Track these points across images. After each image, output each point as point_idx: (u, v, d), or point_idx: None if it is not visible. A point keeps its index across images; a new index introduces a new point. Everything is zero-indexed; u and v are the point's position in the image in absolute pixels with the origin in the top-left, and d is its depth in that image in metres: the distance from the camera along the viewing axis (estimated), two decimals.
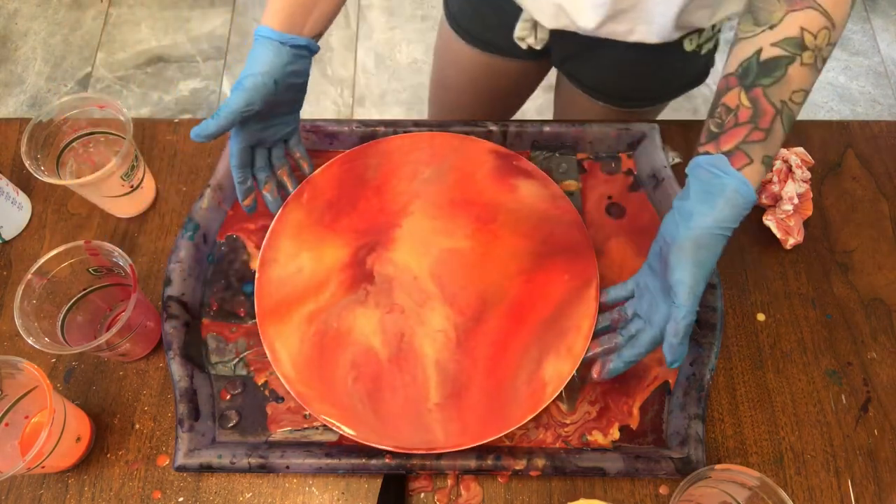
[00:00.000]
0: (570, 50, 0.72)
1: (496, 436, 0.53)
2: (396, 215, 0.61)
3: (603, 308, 0.56)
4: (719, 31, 0.68)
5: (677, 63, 0.70)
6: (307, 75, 0.56)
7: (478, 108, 0.88)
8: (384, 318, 0.57)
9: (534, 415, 0.53)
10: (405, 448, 0.52)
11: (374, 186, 0.62)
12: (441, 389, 0.54)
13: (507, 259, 0.59)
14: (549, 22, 0.64)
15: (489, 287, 0.58)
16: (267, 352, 0.55)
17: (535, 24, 0.69)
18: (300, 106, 0.58)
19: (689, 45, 0.66)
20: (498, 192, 0.62)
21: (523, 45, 0.71)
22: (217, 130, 0.51)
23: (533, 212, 0.61)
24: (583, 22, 0.60)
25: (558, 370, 0.55)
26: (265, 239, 0.60)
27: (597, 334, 0.55)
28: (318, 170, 0.62)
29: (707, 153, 0.46)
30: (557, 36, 0.67)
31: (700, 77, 0.74)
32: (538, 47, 0.71)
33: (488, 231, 0.60)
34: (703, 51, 0.68)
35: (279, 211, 0.60)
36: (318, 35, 0.55)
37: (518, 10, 0.68)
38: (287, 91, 0.54)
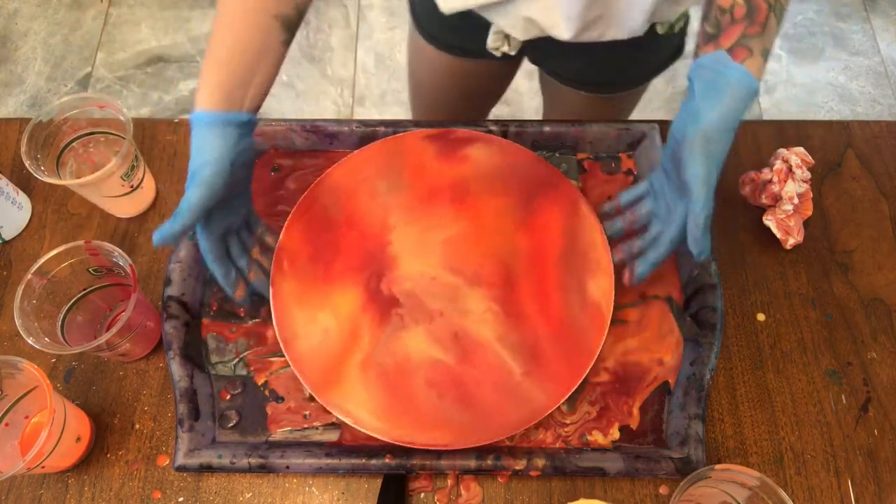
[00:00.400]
0: (544, 51, 0.72)
1: (588, 368, 0.55)
2: (381, 235, 0.60)
3: (615, 212, 0.57)
4: (687, 11, 0.68)
5: (653, 46, 0.71)
6: (254, 148, 0.53)
7: (457, 105, 0.88)
8: (430, 329, 0.57)
9: (606, 331, 0.56)
10: (517, 428, 0.53)
11: (343, 222, 0.61)
12: (518, 360, 0.55)
13: (499, 221, 0.61)
14: (521, 34, 0.64)
15: (500, 252, 0.59)
16: (344, 419, 0.53)
17: (507, 35, 0.68)
18: (251, 180, 0.55)
19: (661, 30, 0.66)
20: (454, 169, 0.63)
21: (497, 53, 0.70)
22: (182, 230, 0.48)
23: (495, 169, 0.63)
24: (557, 32, 0.61)
25: (601, 287, 0.58)
26: (274, 322, 0.56)
27: (614, 241, 0.57)
28: (282, 235, 0.59)
29: (706, 54, 0.48)
30: (530, 42, 0.67)
31: (677, 52, 0.75)
32: (513, 53, 0.70)
33: (469, 206, 0.61)
34: (676, 29, 0.69)
35: (270, 290, 0.58)
36: (256, 109, 0.52)
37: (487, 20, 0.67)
38: (240, 169, 0.51)
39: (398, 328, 0.57)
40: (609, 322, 0.56)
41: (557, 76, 0.77)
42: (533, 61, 0.77)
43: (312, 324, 0.57)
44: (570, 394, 0.54)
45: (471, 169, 0.63)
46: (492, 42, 0.69)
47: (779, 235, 0.62)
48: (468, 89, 0.85)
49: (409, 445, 0.53)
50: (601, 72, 0.74)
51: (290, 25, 0.51)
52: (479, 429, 0.53)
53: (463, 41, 0.75)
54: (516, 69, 0.86)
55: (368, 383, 0.55)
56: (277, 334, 0.56)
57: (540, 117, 1.54)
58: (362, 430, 0.53)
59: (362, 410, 0.53)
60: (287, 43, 0.52)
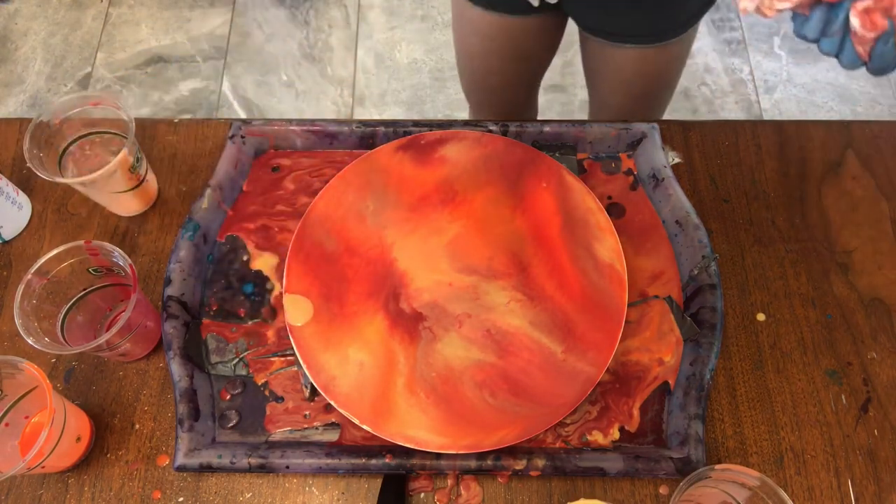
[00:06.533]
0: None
1: (621, 327, 0.56)
2: (384, 255, 0.60)
3: None
4: None
5: None
6: None
7: (508, 71, 0.87)
8: (462, 333, 0.57)
9: (626, 287, 0.57)
10: (576, 403, 0.54)
11: (342, 251, 0.60)
12: (554, 339, 0.56)
13: (494, 211, 0.61)
14: None
15: (504, 241, 0.60)
16: (409, 445, 0.52)
17: None
18: None
19: None
20: (435, 172, 0.63)
21: (535, 2, 0.70)
22: None
23: (474, 163, 0.63)
24: None
25: (609, 247, 0.59)
26: (305, 371, 0.55)
27: None
28: (284, 281, 0.58)
29: None
30: None
31: None
32: (555, 1, 0.69)
33: (460, 205, 0.61)
34: None
35: (292, 340, 0.56)
36: None
37: None
38: None
39: (430, 341, 0.56)
40: (626, 278, 0.57)
41: (603, 34, 0.75)
42: (575, 15, 0.76)
43: (345, 362, 0.55)
44: (612, 357, 0.55)
45: (451, 168, 0.63)
46: None
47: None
48: (517, 51, 0.84)
49: (486, 451, 0.52)
50: (647, 15, 0.72)
51: None
52: (541, 415, 0.53)
53: None
54: (562, 28, 0.85)
55: (420, 403, 0.54)
56: (313, 383, 0.55)
57: (541, 117, 1.54)
58: (430, 451, 0.52)
59: (422, 431, 0.53)
60: None
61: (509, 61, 0.86)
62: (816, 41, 0.45)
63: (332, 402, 0.54)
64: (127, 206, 0.63)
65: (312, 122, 0.66)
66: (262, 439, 0.55)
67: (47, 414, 0.46)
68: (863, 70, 0.46)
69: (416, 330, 0.57)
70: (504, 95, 0.94)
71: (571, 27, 0.83)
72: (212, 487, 0.54)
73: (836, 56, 0.45)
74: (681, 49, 0.79)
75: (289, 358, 0.58)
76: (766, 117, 1.58)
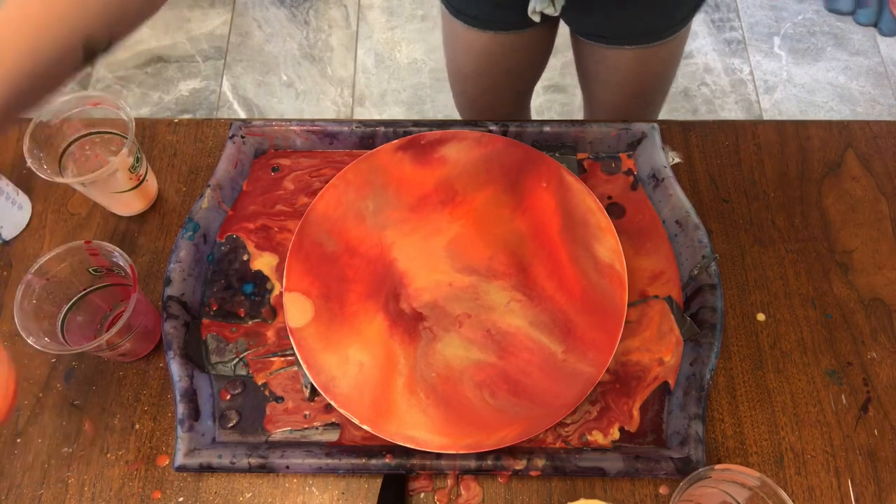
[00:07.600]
0: (584, 6, 0.72)
1: (621, 327, 0.56)
2: (384, 254, 0.60)
3: None
4: None
5: None
6: None
7: (502, 87, 0.88)
8: (462, 333, 0.57)
9: (626, 287, 0.57)
10: (575, 404, 0.54)
11: (342, 251, 0.60)
12: (554, 340, 0.56)
13: (493, 211, 0.61)
14: None
15: (504, 241, 0.60)
16: (409, 445, 0.52)
17: None
18: None
19: None
20: (435, 172, 0.63)
21: (536, 18, 0.70)
22: None
23: (474, 163, 0.63)
24: None
25: (609, 247, 0.59)
26: (305, 371, 0.55)
27: None
28: (284, 281, 0.58)
29: None
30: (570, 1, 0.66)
31: None
32: (557, 13, 0.70)
33: (461, 205, 0.62)
34: None
35: (292, 341, 0.56)
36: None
37: None
38: None
39: (430, 341, 0.56)
40: (626, 278, 0.58)
41: (600, 37, 0.76)
42: (571, 23, 0.76)
43: (346, 362, 0.55)
44: (612, 357, 0.55)
45: (451, 168, 0.63)
46: (539, 4, 0.68)
47: None
48: (511, 67, 0.84)
49: (485, 451, 0.52)
50: (644, 16, 0.72)
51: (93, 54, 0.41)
52: (541, 415, 0.53)
53: (500, 14, 0.75)
54: (554, 37, 0.85)
55: (420, 404, 0.54)
56: (313, 383, 0.55)
57: (541, 117, 1.54)
58: (431, 451, 0.52)
59: (423, 432, 0.53)
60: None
61: (503, 78, 0.86)
62: (852, 13, 0.46)
63: (332, 402, 0.54)
64: (127, 206, 0.63)
65: (312, 122, 0.66)
66: (262, 439, 0.55)
67: None
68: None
69: (416, 330, 0.57)
70: (498, 110, 0.94)
71: (563, 28, 0.83)
72: (212, 487, 0.54)
73: (875, 25, 0.46)
74: (677, 45, 0.79)
75: (289, 358, 0.58)
76: (766, 117, 1.58)
